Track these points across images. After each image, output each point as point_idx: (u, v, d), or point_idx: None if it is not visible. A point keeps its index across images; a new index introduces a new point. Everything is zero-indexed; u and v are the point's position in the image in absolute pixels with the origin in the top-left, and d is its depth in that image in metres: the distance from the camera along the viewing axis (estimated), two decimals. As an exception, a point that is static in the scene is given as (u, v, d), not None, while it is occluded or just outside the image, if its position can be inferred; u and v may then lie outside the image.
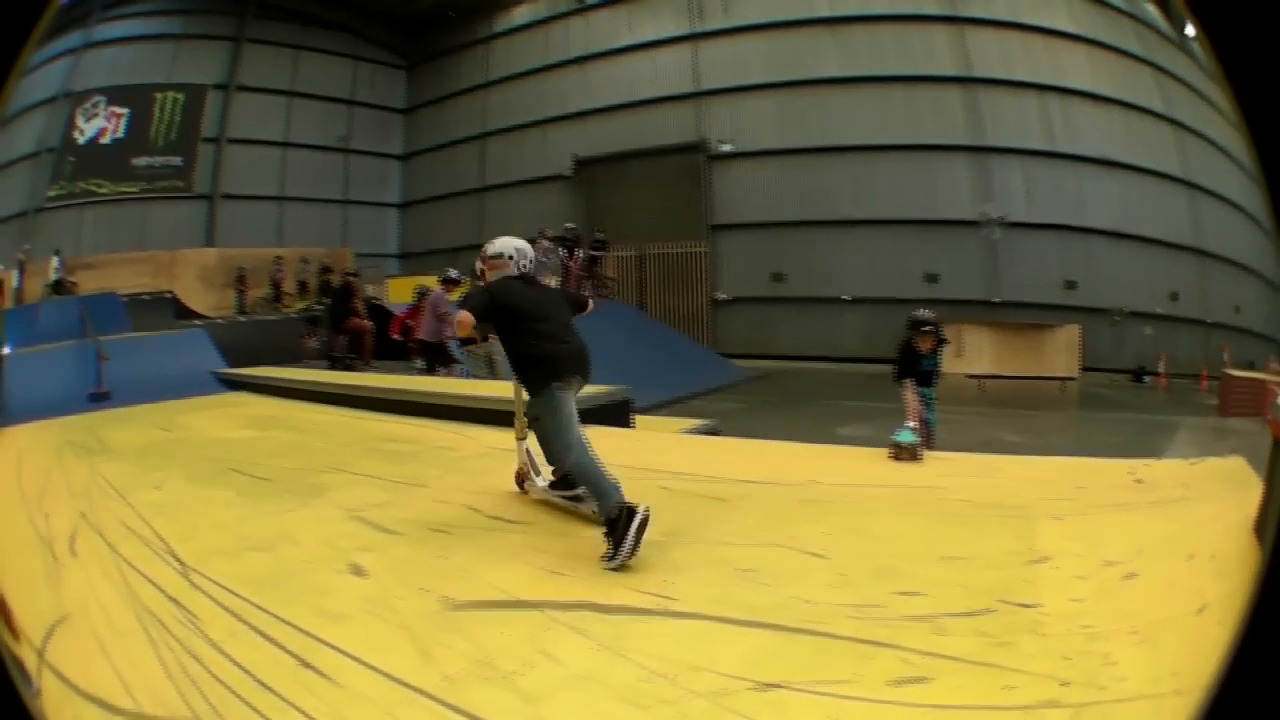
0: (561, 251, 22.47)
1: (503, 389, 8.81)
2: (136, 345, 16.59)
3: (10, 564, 4.93)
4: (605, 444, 5.33)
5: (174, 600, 4.29)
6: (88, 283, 26.51)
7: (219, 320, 24.52)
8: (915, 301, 19.35)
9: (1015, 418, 14.81)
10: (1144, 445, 12.13)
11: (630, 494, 4.61)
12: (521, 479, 6.30)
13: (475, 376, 13.07)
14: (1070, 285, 22.83)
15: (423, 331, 14.30)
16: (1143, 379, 21.48)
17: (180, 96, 33.77)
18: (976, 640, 3.26)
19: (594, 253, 24.46)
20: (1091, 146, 22.44)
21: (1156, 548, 4.10)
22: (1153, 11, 22.38)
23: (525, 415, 5.85)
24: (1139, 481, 5.40)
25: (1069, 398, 19.88)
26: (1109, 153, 22.18)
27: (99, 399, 13.84)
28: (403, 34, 39.93)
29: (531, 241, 6.62)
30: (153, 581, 4.61)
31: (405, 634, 3.66)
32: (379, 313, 18.66)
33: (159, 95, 33.30)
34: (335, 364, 17.12)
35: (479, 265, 6.16)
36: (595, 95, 31.86)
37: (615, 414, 8.72)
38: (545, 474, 6.02)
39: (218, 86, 34.64)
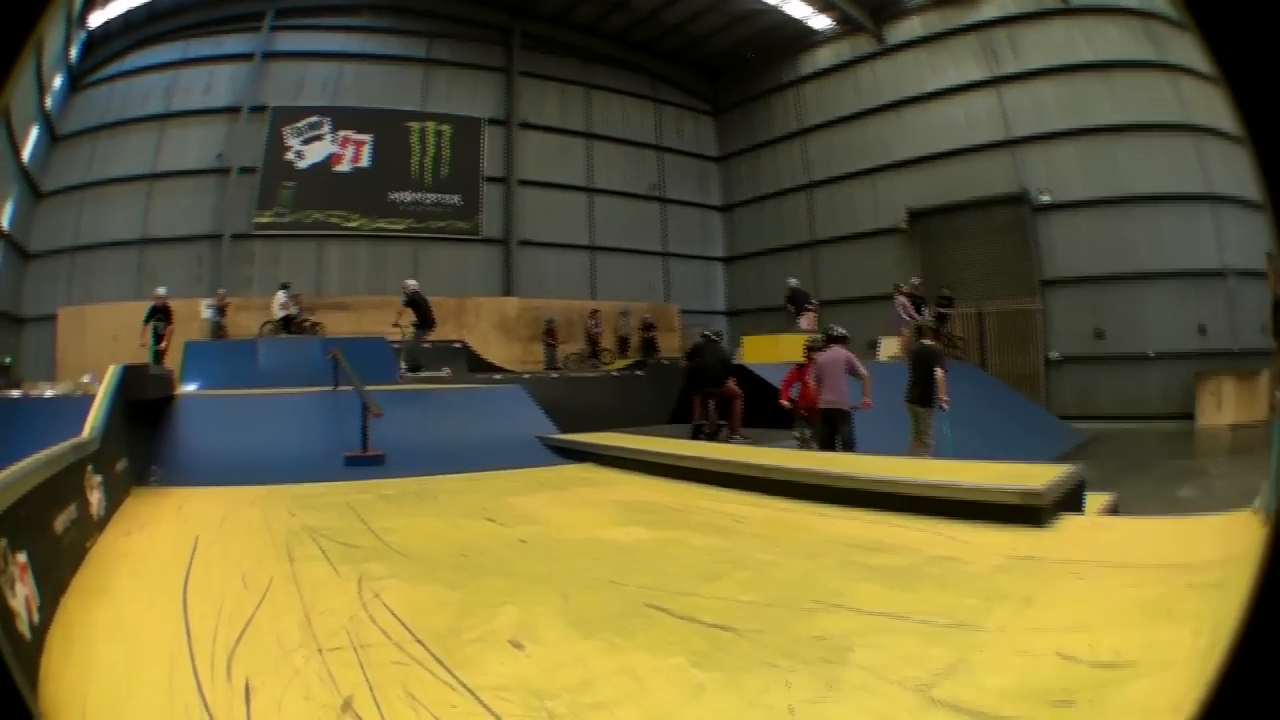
0: (911, 308, 23.27)
1: (954, 471, 7.86)
2: (423, 400, 14.77)
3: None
4: (1094, 540, 5.76)
5: None
6: (339, 325, 25.00)
7: (524, 375, 23.96)
8: (1197, 356, 24.57)
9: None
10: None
11: (1173, 599, 4.44)
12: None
13: (916, 452, 12.52)
14: (1264, 330, 24.42)
15: (827, 395, 13.20)
16: (1290, 412, 21.89)
17: (445, 129, 33.09)
18: None
19: (942, 310, 25.15)
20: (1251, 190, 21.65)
21: None
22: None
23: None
24: None
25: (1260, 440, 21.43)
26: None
27: (364, 463, 11.27)
28: (703, 77, 40.56)
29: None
30: None
31: None
32: (737, 374, 17.94)
33: (414, 125, 32.67)
34: (699, 433, 16.56)
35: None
36: (917, 143, 32.45)
37: (1072, 501, 6.94)
38: None
39: (494, 122, 34.45)
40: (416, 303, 19.96)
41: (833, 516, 7.14)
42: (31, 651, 3.41)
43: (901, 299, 22.94)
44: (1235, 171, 22.92)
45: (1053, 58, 28.40)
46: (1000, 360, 28.60)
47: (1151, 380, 26.39)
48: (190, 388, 17.00)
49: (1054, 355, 28.26)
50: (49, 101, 27.89)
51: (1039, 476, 6.74)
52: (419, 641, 3.93)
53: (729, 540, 6.41)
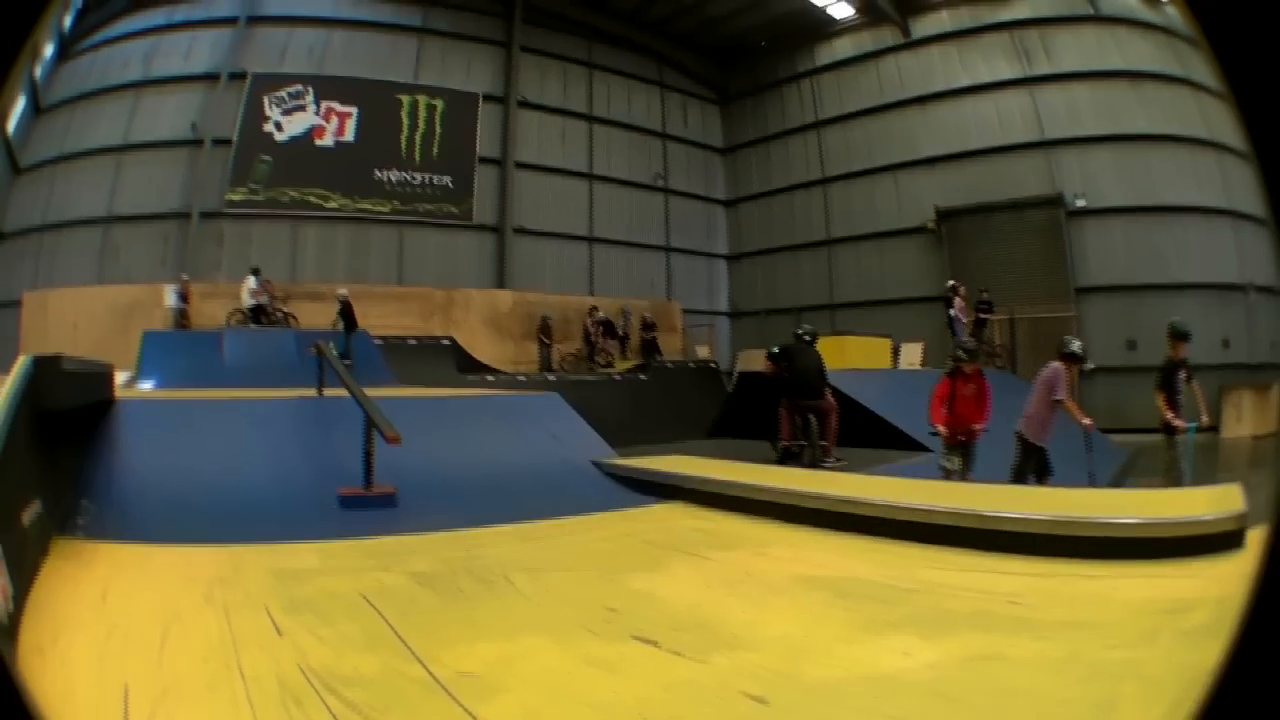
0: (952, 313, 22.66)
1: (1144, 503, 6.63)
2: (435, 410, 11.61)
3: None
4: None
5: None
6: (314, 317, 23.26)
7: (519, 377, 23.25)
8: (1220, 368, 23.80)
9: None
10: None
11: None
12: None
13: (1170, 481, 11.50)
14: (1274, 346, 26.25)
15: (1026, 422, 12.05)
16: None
17: (437, 103, 31.40)
18: None
19: (981, 315, 24.23)
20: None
21: None
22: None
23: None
24: None
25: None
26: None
27: (367, 504, 8.13)
28: (711, 64, 39.56)
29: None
30: None
31: None
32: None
33: (405, 98, 30.93)
34: (789, 456, 14.48)
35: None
36: (945, 139, 31.92)
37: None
38: None
39: (491, 98, 32.84)
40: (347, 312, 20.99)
41: (1105, 577, 5.23)
42: None
43: (959, 301, 22.25)
44: (1252, 188, 24.74)
45: (1085, 62, 28.52)
46: (1033, 370, 27.73)
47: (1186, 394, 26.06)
48: (146, 385, 15.10)
49: (1088, 366, 26.20)
50: (38, 71, 26.56)
51: (1225, 500, 5.72)
52: None
53: (1054, 643, 4.00)
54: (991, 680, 3.50)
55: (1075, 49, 28.79)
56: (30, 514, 5.04)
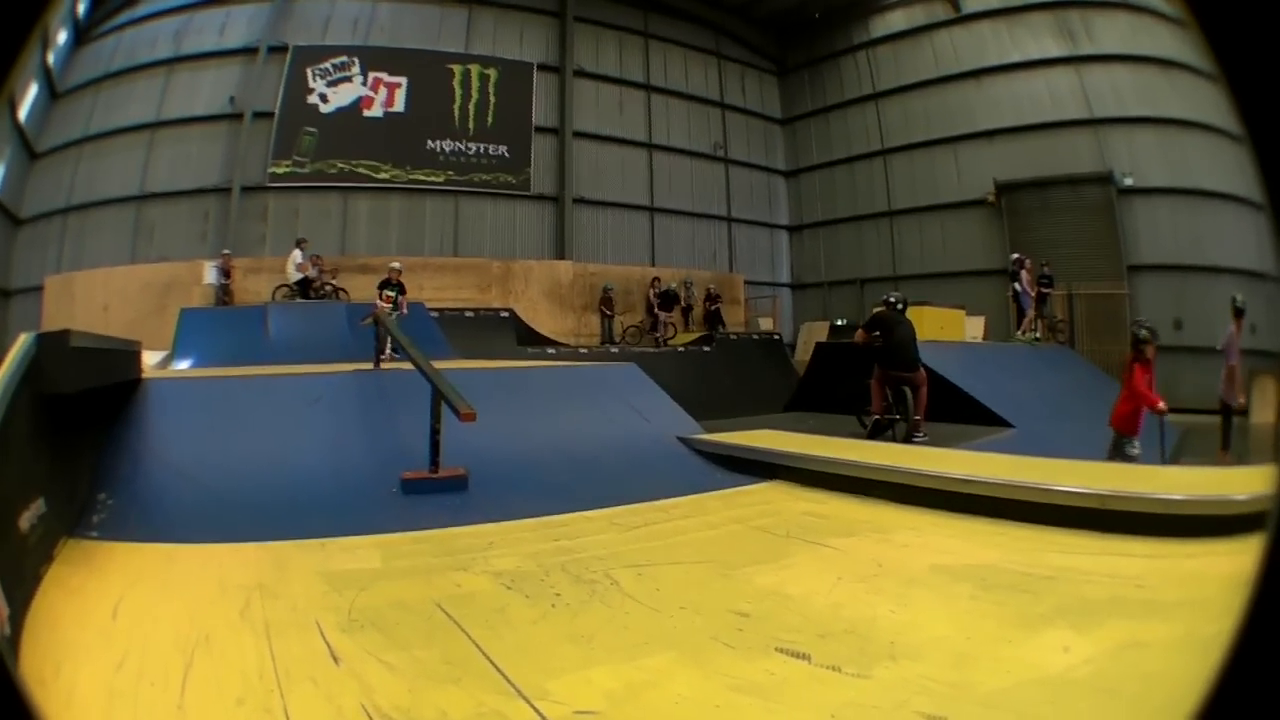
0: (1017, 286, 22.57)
1: None
2: (506, 384, 10.89)
3: None
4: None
5: None
6: (365, 289, 21.88)
7: (580, 350, 23.33)
8: (1249, 353, 21.15)
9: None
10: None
11: None
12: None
13: None
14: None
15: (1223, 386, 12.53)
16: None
17: (490, 72, 30.89)
18: None
19: (1043, 290, 23.92)
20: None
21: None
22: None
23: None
24: None
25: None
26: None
27: (433, 489, 7.18)
28: (768, 36, 39.32)
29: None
30: None
31: None
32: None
33: (456, 68, 30.39)
34: (880, 430, 13.89)
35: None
36: (1002, 113, 32.07)
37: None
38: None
39: (546, 68, 32.45)
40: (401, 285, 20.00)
41: (1202, 554, 5.07)
42: None
43: (1026, 275, 22.16)
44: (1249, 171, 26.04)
45: (1121, 46, 28.71)
46: (1089, 346, 27.60)
47: (1218, 375, 24.00)
48: (182, 364, 14.43)
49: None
50: (51, 58, 26.31)
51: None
52: None
53: (1176, 623, 3.98)
54: (1140, 668, 3.46)
55: (1112, 32, 28.91)
56: (30, 515, 4.31)
